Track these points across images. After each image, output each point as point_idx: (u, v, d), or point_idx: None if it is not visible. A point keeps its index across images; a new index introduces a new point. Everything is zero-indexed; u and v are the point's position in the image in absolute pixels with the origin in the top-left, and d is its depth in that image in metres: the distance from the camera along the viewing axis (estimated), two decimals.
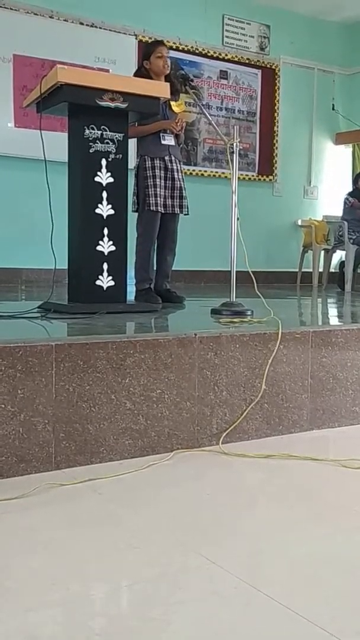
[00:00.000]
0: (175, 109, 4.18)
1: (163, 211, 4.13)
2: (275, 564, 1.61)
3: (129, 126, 3.71)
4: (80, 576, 1.51)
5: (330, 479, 2.27)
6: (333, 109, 8.50)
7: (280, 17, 7.92)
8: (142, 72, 4.19)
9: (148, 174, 4.09)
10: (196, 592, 1.45)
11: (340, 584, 1.51)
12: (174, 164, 4.17)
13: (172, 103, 4.13)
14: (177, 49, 7.09)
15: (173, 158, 4.18)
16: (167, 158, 4.14)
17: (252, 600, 1.41)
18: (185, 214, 4.26)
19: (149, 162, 4.11)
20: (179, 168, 4.21)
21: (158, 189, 4.08)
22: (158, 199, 4.07)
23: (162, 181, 4.12)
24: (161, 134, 4.12)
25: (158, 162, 4.11)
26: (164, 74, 4.14)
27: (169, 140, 4.15)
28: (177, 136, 4.24)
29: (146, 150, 4.14)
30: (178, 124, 4.12)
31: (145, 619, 1.33)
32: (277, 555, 1.66)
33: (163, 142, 4.13)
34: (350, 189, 7.58)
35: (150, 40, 6.66)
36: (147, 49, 4.27)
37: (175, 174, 4.16)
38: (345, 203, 7.07)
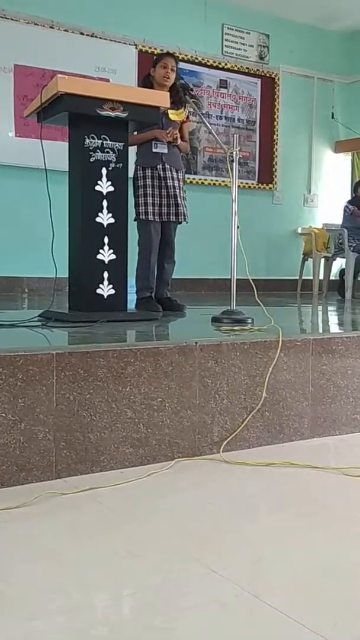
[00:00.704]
0: (174, 117, 4.19)
1: (157, 219, 4.14)
2: (276, 572, 1.60)
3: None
4: (82, 585, 1.51)
5: (331, 487, 2.27)
6: (332, 117, 8.53)
7: (279, 26, 7.95)
8: (147, 80, 4.26)
9: (139, 184, 4.14)
10: (197, 600, 1.45)
11: (341, 592, 1.50)
12: (168, 172, 4.16)
13: (170, 111, 4.14)
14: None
15: (167, 166, 4.17)
16: (159, 166, 4.14)
17: (254, 609, 1.41)
18: (180, 222, 4.25)
19: (141, 172, 4.14)
20: (174, 176, 4.19)
21: (149, 198, 4.10)
22: (149, 207, 4.10)
23: (155, 190, 4.12)
24: (153, 142, 4.14)
25: (149, 171, 4.13)
26: (165, 85, 4.15)
27: (161, 148, 4.15)
28: (177, 145, 4.24)
29: (140, 159, 4.18)
30: (169, 135, 4.12)
31: (146, 627, 1.33)
32: (279, 563, 1.66)
33: (154, 150, 4.14)
34: (349, 197, 7.60)
35: (150, 50, 6.73)
36: (156, 58, 4.32)
37: (170, 182, 4.16)
38: (345, 211, 7.09)
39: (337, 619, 1.37)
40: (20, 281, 6.49)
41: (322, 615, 1.38)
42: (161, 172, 4.14)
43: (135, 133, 4.05)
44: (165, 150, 4.16)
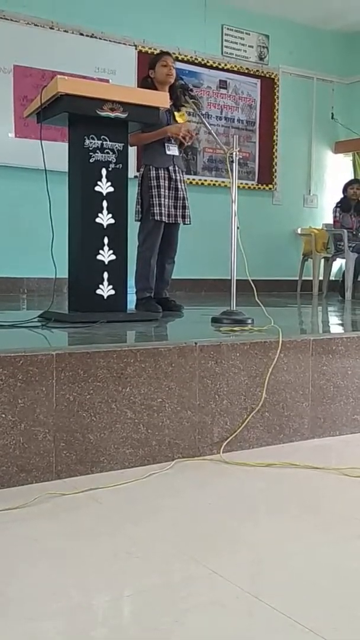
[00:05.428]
0: (180, 119, 4.20)
1: (167, 221, 4.15)
2: (276, 573, 1.60)
3: (134, 133, 3.74)
4: (82, 586, 1.51)
5: (331, 488, 2.27)
6: (332, 117, 8.53)
7: (279, 26, 7.95)
8: (147, 81, 4.25)
9: (152, 184, 4.11)
10: (197, 601, 1.45)
11: (342, 593, 1.50)
12: (177, 174, 4.19)
13: (176, 113, 4.17)
14: (176, 59, 7.08)
15: (177, 168, 4.20)
16: (171, 168, 4.17)
17: (254, 610, 1.41)
18: (187, 224, 4.27)
19: (154, 172, 4.13)
20: (182, 178, 4.23)
21: (162, 199, 4.11)
22: (162, 208, 4.10)
23: (167, 191, 4.14)
24: (166, 144, 4.15)
25: (162, 172, 4.14)
26: (168, 82, 4.17)
27: (173, 151, 4.18)
28: (180, 144, 4.25)
29: (151, 159, 4.17)
30: (187, 138, 4.13)
31: (146, 629, 1.33)
32: (279, 564, 1.66)
33: (168, 152, 4.15)
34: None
35: (150, 51, 6.73)
36: (153, 59, 4.32)
37: (179, 184, 4.19)
38: (333, 213, 7.17)
39: (337, 620, 1.37)
40: (20, 282, 6.49)
41: (323, 616, 1.38)
42: (172, 174, 4.17)
43: (141, 131, 4.03)
44: (177, 153, 4.19)
